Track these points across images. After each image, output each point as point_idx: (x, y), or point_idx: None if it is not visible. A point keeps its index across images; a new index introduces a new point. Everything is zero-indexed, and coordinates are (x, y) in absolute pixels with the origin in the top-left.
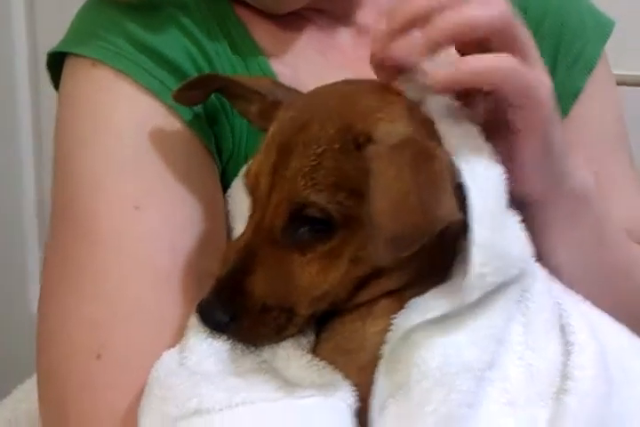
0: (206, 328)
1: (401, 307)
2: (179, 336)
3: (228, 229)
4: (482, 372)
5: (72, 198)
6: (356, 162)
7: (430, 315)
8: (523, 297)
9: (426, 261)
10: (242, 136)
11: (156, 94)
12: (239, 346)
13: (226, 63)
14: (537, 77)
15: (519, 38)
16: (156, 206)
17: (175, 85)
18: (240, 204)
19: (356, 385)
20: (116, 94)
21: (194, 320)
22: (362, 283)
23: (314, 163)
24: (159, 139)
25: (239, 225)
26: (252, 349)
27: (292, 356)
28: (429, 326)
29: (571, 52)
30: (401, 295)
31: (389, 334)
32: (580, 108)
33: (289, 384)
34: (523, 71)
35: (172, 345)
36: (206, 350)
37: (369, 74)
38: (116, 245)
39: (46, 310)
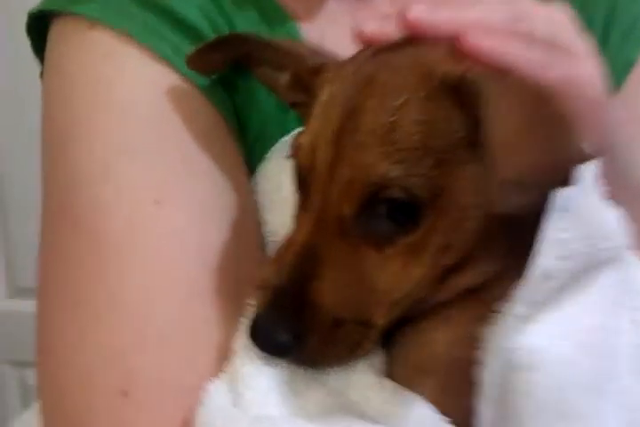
0: (262, 352)
1: (482, 310)
2: (219, 362)
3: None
4: (600, 385)
5: (73, 192)
6: (447, 111)
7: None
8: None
9: (506, 252)
10: (269, 114)
11: (167, 60)
12: (302, 373)
13: (248, 25)
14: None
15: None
16: (180, 199)
17: (189, 49)
18: (272, 192)
19: (444, 413)
20: (119, 62)
21: (242, 342)
22: (443, 277)
23: (393, 118)
24: (175, 116)
25: (273, 217)
26: (318, 374)
27: (370, 385)
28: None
29: (626, 20)
30: (479, 296)
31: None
32: (635, 81)
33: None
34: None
35: (212, 374)
36: (265, 384)
37: None
38: (132, 251)
39: (51, 336)
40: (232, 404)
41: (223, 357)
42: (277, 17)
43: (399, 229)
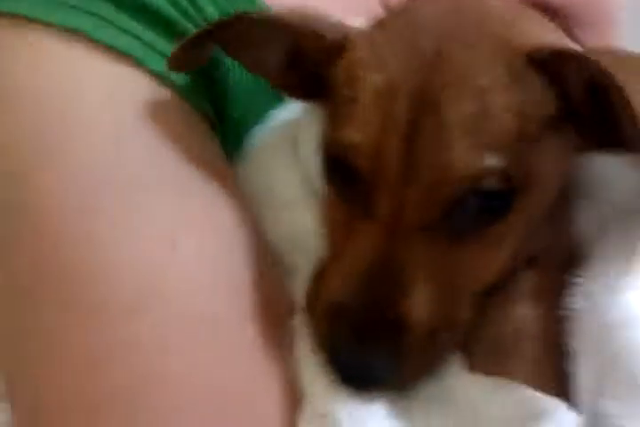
0: (356, 390)
1: (554, 275)
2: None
3: None
4: None
5: (54, 249)
6: (536, 91)
7: None
8: None
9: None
10: (250, 101)
11: (131, 57)
12: (399, 399)
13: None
14: None
15: None
16: (195, 234)
17: (156, 39)
18: (265, 193)
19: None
20: (69, 65)
21: (322, 381)
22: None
23: (480, 108)
24: (158, 130)
25: (279, 213)
26: (415, 394)
27: (476, 391)
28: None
29: None
30: (543, 263)
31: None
32: None
33: None
34: None
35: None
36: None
37: None
38: (153, 322)
39: None
40: None
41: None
42: None
43: (490, 219)
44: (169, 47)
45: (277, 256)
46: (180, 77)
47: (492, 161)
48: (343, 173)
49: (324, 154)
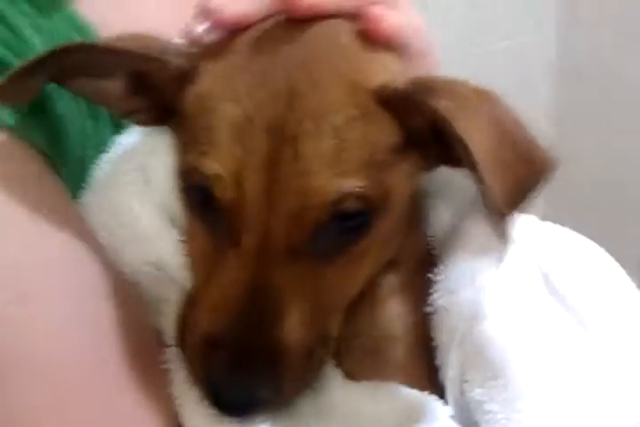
0: (236, 417)
1: (410, 279)
2: None
3: None
4: None
5: None
6: (384, 123)
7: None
8: None
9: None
10: (84, 132)
11: None
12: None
13: (23, 19)
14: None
15: None
16: (45, 288)
17: None
18: (119, 227)
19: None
20: None
21: (202, 421)
22: None
23: (336, 141)
24: None
25: (140, 247)
26: (294, 409)
27: (350, 392)
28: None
29: None
30: (399, 267)
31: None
32: None
33: None
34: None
35: None
36: None
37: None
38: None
39: None
40: None
41: None
42: (50, 2)
43: (352, 237)
44: None
45: (143, 289)
46: (9, 116)
47: (349, 185)
48: (204, 202)
49: (181, 182)
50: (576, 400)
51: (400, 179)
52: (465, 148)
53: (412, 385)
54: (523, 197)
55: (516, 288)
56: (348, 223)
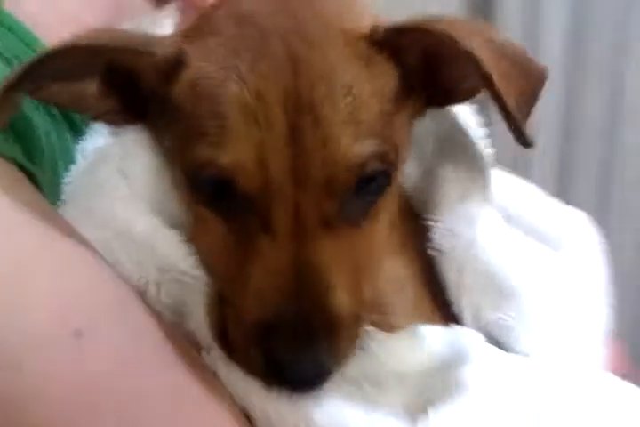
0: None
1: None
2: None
3: None
4: None
5: None
6: (385, 69)
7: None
8: None
9: None
10: (51, 142)
11: None
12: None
13: None
14: None
15: None
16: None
17: None
18: (122, 232)
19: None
20: None
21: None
22: None
23: (350, 98)
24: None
25: (142, 255)
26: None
27: (390, 347)
28: None
29: None
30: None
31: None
32: None
33: None
34: None
35: None
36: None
37: None
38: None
39: None
40: None
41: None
42: None
43: (375, 198)
44: None
45: (152, 298)
46: None
47: (370, 147)
48: (219, 195)
49: (190, 178)
50: (566, 310)
51: (402, 130)
52: (476, 63)
53: (426, 321)
54: (529, 106)
55: (499, 221)
56: (372, 185)
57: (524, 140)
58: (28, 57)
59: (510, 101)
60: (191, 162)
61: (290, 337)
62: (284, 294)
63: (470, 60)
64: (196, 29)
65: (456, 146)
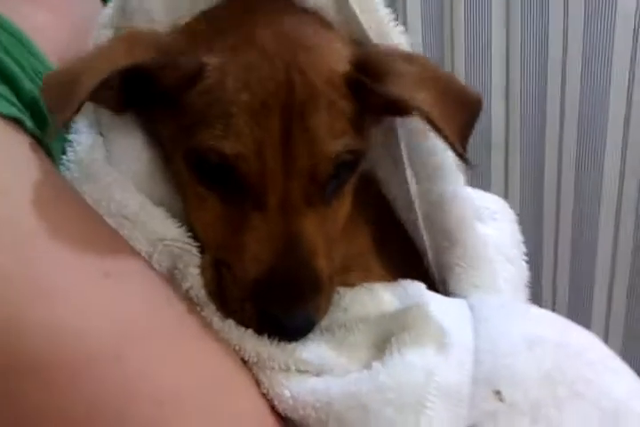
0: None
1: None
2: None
3: None
4: None
5: None
6: (351, 100)
7: None
8: None
9: None
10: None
11: None
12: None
13: None
14: None
15: None
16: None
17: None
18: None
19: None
20: None
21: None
22: None
23: (329, 115)
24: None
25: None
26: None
27: (353, 297)
28: None
29: None
30: None
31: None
32: None
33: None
34: None
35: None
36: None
37: None
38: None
39: None
40: None
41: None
42: None
43: (344, 181)
44: None
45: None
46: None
47: (343, 144)
48: (216, 176)
49: (189, 159)
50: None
51: (369, 129)
52: (422, 113)
53: (387, 277)
54: (468, 132)
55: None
56: (342, 172)
57: (463, 161)
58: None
59: (451, 135)
60: (195, 148)
61: (282, 294)
62: (276, 255)
63: (419, 110)
64: (206, 34)
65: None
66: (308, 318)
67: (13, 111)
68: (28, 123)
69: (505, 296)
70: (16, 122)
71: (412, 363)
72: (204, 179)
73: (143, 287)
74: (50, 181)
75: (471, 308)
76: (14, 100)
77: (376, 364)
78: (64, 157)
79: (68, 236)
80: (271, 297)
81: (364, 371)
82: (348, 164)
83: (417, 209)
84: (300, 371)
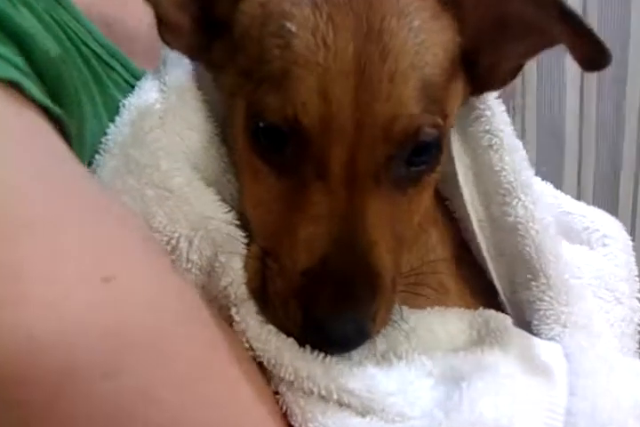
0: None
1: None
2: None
3: None
4: None
5: None
6: (448, 25)
7: None
8: None
9: None
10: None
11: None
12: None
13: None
14: None
15: None
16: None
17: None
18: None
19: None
20: None
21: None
22: None
23: (417, 40)
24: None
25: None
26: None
27: (420, 317)
28: None
29: None
30: None
31: None
32: None
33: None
34: None
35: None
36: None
37: None
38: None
39: None
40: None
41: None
42: None
43: (423, 170)
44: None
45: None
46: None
47: (432, 110)
48: (276, 143)
49: (250, 125)
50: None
51: (452, 103)
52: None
53: (463, 302)
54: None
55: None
56: (423, 156)
57: (604, 58)
58: None
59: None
60: (254, 107)
61: (332, 291)
62: (332, 240)
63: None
64: None
65: None
66: (358, 326)
67: (11, 73)
68: (32, 88)
69: (606, 342)
70: (16, 87)
71: (483, 416)
72: (260, 147)
73: (146, 297)
74: (47, 162)
75: (567, 356)
76: (18, 61)
77: (438, 413)
78: (118, 118)
79: (65, 233)
80: (319, 294)
81: (423, 419)
82: (427, 145)
83: (478, 234)
84: (341, 404)
